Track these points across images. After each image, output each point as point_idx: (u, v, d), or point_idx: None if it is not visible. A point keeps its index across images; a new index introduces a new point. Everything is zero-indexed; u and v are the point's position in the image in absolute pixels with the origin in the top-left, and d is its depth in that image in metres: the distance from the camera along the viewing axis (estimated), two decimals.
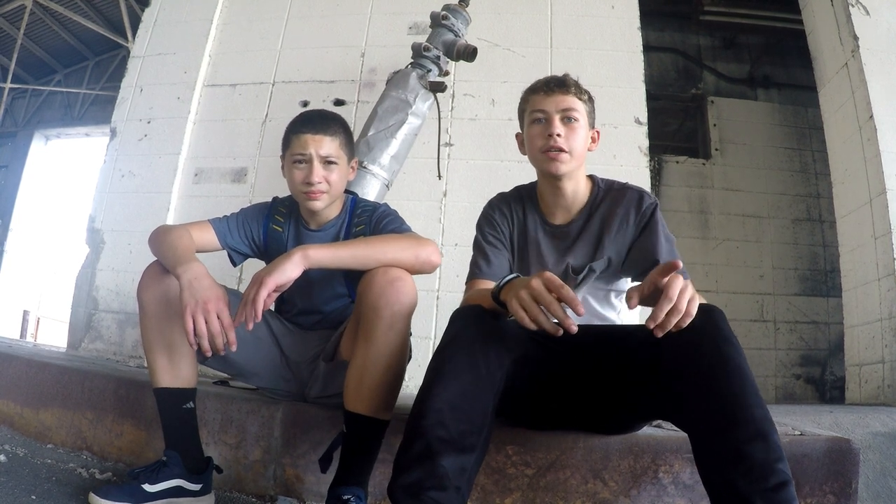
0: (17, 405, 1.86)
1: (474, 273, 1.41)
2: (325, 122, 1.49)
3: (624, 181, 1.45)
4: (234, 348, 1.21)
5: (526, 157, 1.47)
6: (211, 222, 1.53)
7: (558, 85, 1.37)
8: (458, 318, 1.13)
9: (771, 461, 0.92)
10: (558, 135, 1.33)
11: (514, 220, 1.46)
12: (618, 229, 1.37)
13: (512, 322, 1.11)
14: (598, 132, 1.44)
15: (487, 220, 1.47)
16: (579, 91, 1.38)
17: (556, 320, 1.00)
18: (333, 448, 1.30)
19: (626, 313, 1.45)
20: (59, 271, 8.13)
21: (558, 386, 1.28)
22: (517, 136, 1.50)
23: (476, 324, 1.11)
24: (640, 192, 1.40)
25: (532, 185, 1.50)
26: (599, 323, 1.41)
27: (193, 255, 1.32)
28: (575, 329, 0.98)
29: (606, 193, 1.41)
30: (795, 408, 2.55)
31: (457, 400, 1.02)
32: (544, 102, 1.37)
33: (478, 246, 1.46)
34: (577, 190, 1.40)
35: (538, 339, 1.24)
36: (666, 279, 0.97)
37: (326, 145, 1.46)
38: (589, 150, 1.41)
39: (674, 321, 0.95)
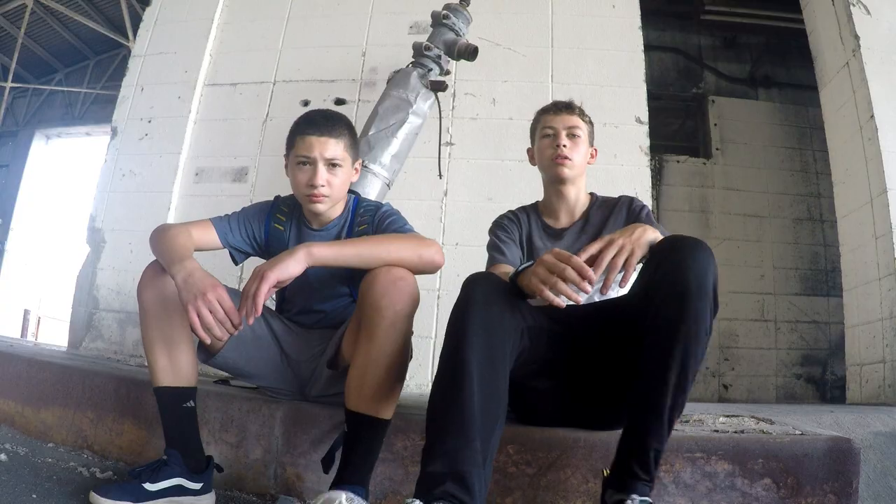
0: (18, 404, 1.86)
1: (494, 259, 1.55)
2: (330, 124, 1.47)
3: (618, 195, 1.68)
4: (250, 321, 1.20)
5: (527, 158, 1.71)
6: (212, 221, 1.53)
7: (565, 107, 1.64)
8: (473, 283, 1.18)
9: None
10: (564, 145, 1.59)
11: (521, 226, 1.66)
12: (611, 228, 1.55)
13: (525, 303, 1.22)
14: (596, 150, 1.71)
15: (499, 226, 1.65)
16: (582, 114, 1.65)
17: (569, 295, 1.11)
18: (335, 448, 1.30)
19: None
20: (59, 271, 8.13)
21: (564, 358, 1.32)
22: (528, 150, 1.74)
23: (490, 292, 1.16)
24: (630, 197, 1.63)
25: (534, 203, 1.72)
26: None
27: (188, 253, 1.31)
28: (589, 290, 1.10)
29: (603, 203, 1.65)
30: (796, 407, 2.55)
31: (483, 371, 1.07)
32: (553, 120, 1.62)
33: (493, 245, 1.60)
34: (578, 196, 1.64)
35: (546, 311, 1.30)
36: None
37: (331, 148, 1.45)
38: (588, 163, 1.67)
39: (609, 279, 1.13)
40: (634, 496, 1.07)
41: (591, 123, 1.67)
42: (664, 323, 1.08)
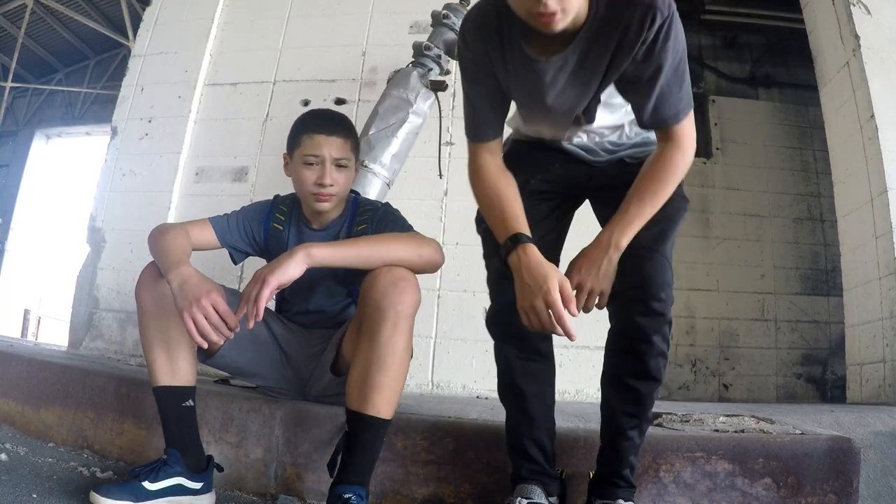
0: (18, 404, 1.86)
1: (475, 133, 1.34)
2: (337, 124, 1.49)
3: None
4: (250, 324, 1.21)
5: None
6: (211, 220, 1.53)
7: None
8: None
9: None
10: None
11: (497, 46, 1.16)
12: (620, 60, 1.12)
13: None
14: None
15: (465, 44, 1.20)
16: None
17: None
18: (339, 451, 1.30)
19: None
20: (59, 271, 8.13)
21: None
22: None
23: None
24: (649, 7, 1.03)
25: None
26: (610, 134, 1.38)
27: (185, 257, 1.30)
28: (575, 338, 1.10)
29: (604, 17, 1.07)
30: (796, 407, 2.55)
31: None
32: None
33: (466, 95, 1.26)
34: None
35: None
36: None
37: (339, 147, 1.47)
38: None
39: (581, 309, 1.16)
40: (620, 501, 1.16)
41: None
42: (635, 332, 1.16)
